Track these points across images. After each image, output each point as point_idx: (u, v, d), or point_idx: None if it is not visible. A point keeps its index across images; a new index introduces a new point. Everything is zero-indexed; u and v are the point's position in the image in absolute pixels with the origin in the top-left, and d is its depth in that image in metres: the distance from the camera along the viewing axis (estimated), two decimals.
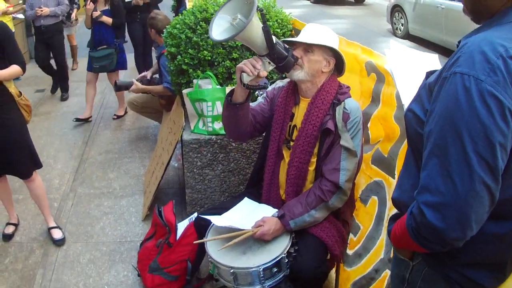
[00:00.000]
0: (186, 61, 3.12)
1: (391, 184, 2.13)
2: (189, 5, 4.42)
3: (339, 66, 2.22)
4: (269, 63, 2.00)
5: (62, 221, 3.53)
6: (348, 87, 2.24)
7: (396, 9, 10.44)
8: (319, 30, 2.19)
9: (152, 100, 4.48)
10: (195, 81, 3.10)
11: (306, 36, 2.16)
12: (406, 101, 1.94)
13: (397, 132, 2.11)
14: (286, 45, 1.99)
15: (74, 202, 3.79)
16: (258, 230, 2.08)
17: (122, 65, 5.62)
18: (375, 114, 2.34)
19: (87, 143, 4.87)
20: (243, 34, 1.82)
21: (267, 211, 2.22)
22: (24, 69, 3.02)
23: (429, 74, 1.30)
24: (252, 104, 2.32)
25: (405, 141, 1.91)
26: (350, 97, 2.20)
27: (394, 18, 10.55)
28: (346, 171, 2.09)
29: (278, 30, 3.24)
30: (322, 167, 2.15)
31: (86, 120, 5.47)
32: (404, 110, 1.46)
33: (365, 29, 10.72)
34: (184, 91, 3.12)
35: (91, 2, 5.31)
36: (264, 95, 2.41)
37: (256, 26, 1.86)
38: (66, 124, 5.44)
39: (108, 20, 5.36)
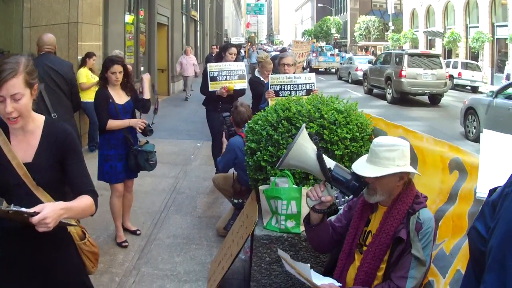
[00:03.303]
0: (265, 158, 3.21)
1: (440, 284, 2.24)
2: (271, 103, 4.63)
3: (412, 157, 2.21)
4: (332, 187, 2.12)
5: None
6: (425, 197, 2.25)
7: (469, 112, 10.35)
8: (384, 153, 2.14)
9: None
10: (272, 178, 3.16)
11: (372, 160, 2.16)
12: (483, 191, 1.95)
13: (465, 229, 2.18)
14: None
15: (136, 280, 3.82)
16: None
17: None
18: (450, 211, 2.40)
19: (156, 225, 4.96)
20: (293, 157, 2.03)
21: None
22: (96, 203, 1.97)
23: (492, 191, 1.30)
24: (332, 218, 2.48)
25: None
26: (425, 207, 2.21)
27: (467, 121, 10.39)
28: (413, 279, 2.10)
29: (357, 134, 3.28)
30: (390, 273, 2.14)
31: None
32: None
33: (439, 132, 10.70)
34: (261, 187, 3.19)
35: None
36: (348, 203, 2.50)
37: (305, 150, 2.03)
38: (137, 202, 5.31)
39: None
